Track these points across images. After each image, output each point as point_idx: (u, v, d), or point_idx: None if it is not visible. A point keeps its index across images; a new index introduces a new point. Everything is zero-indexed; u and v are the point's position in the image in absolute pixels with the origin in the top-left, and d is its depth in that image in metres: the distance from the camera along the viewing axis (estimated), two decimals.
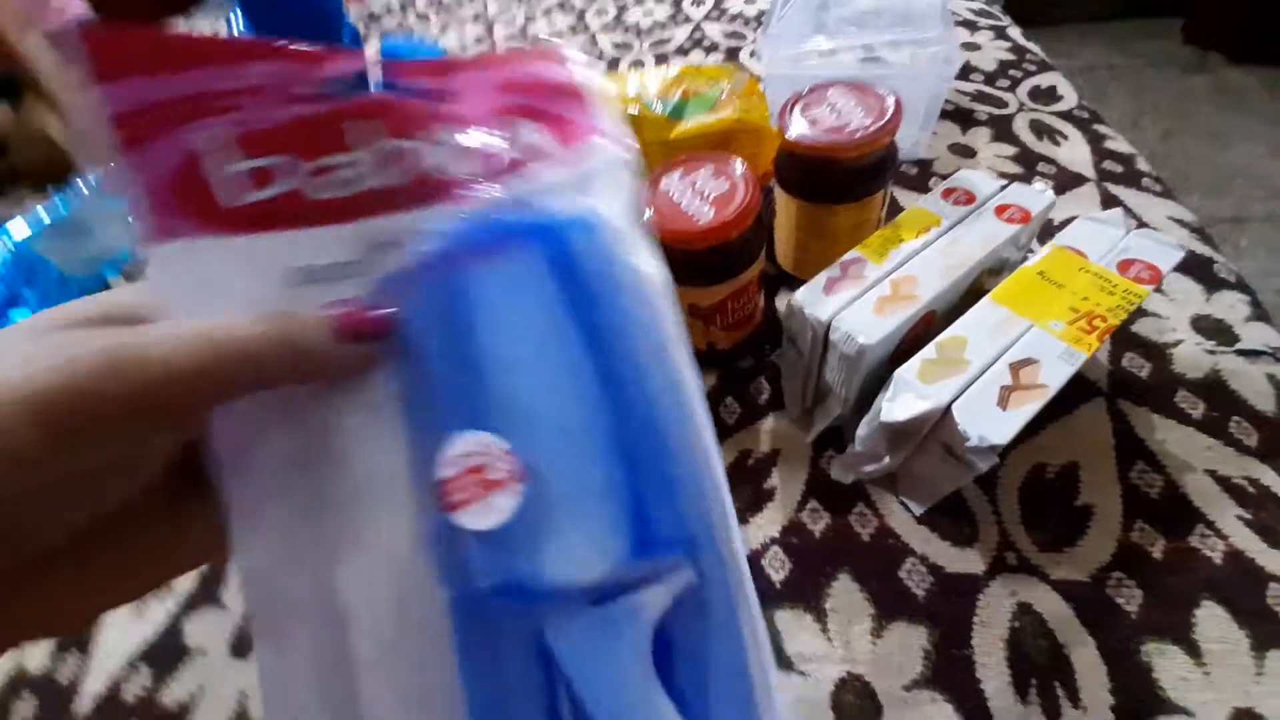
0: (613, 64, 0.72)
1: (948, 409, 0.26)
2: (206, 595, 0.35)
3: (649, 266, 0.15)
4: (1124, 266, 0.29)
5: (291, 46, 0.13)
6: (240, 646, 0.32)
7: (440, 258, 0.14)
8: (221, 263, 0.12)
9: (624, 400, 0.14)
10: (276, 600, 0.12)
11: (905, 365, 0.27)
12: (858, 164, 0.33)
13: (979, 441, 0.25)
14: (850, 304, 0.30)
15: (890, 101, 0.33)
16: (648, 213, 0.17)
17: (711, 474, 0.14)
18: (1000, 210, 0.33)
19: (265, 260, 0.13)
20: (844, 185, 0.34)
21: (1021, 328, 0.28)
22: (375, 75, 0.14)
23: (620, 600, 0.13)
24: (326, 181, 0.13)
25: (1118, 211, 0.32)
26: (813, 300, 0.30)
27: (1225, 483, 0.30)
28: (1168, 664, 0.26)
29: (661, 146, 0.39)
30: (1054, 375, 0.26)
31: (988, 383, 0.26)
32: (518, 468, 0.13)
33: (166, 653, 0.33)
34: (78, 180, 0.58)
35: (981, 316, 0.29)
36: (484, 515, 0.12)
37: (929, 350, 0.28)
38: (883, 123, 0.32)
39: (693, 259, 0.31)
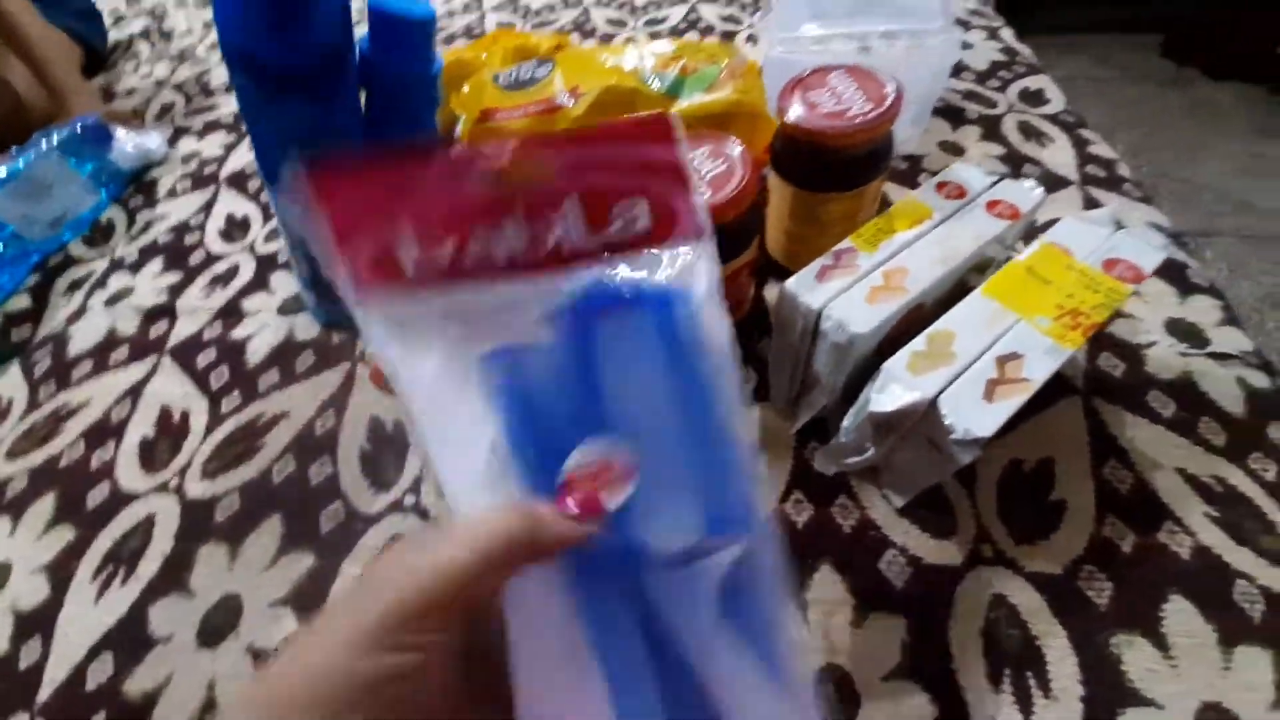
0: (605, 40, 0.71)
1: (934, 401, 0.26)
2: (172, 581, 0.33)
3: (721, 332, 0.19)
4: (1109, 265, 0.30)
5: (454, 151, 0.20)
6: (207, 635, 0.31)
7: (574, 314, 0.19)
8: (411, 313, 0.18)
9: (701, 427, 0.19)
10: None
11: (894, 357, 0.27)
12: (854, 152, 0.33)
13: (963, 435, 0.25)
14: (842, 293, 0.30)
15: (891, 89, 0.32)
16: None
17: (755, 478, 0.19)
18: (990, 205, 0.33)
19: (439, 309, 0.18)
20: (839, 173, 0.34)
21: (1009, 322, 0.28)
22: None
23: (698, 564, 0.18)
24: (480, 253, 0.19)
25: (1105, 210, 0.33)
26: (805, 288, 0.30)
27: (1194, 481, 0.31)
28: (1136, 655, 0.27)
29: None
30: (1038, 369, 0.26)
31: (974, 376, 0.26)
32: (632, 465, 0.18)
33: (130, 640, 0.31)
34: (40, 138, 0.55)
35: (971, 310, 0.29)
36: (611, 498, 0.17)
37: (918, 342, 0.28)
38: (882, 110, 0.31)
39: None
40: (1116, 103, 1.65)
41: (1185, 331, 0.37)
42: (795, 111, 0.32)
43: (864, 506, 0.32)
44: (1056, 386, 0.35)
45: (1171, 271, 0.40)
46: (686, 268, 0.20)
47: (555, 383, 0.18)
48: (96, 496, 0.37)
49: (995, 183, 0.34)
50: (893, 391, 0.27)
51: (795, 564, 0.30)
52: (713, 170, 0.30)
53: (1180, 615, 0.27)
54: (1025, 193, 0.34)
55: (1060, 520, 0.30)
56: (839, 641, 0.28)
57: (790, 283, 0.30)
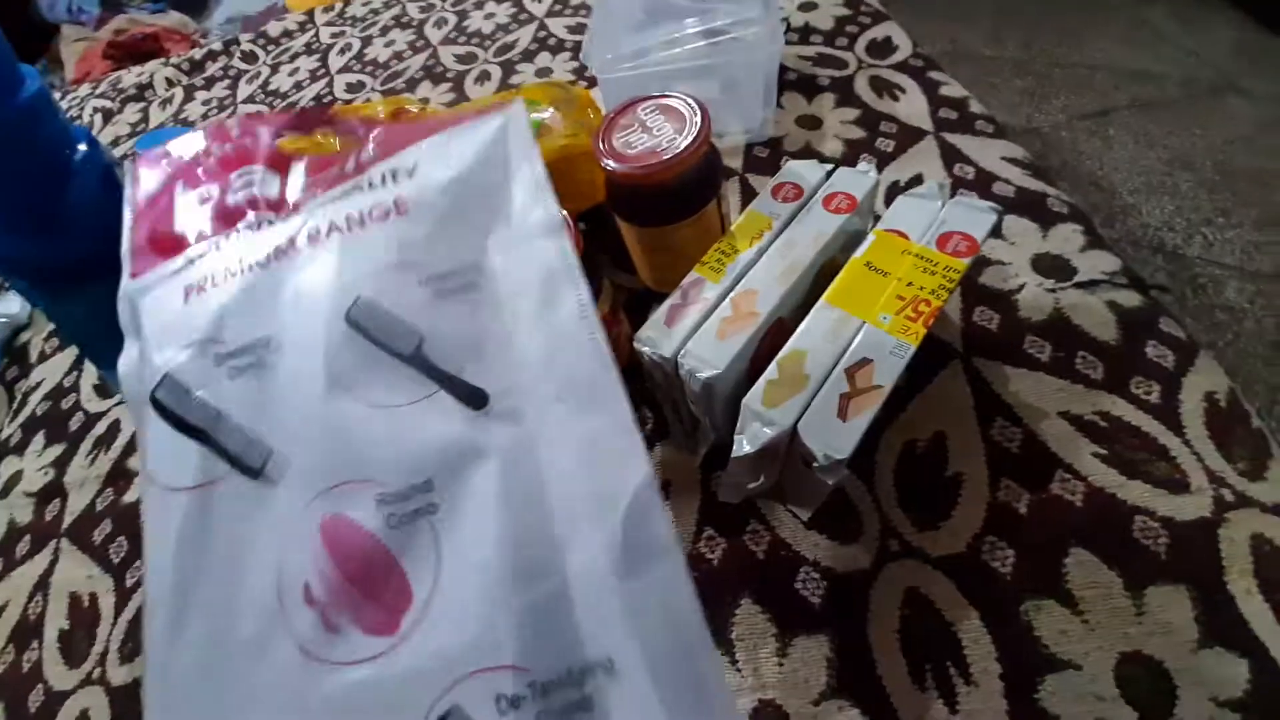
0: (458, 80, 0.69)
1: (794, 430, 0.26)
2: None
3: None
4: (942, 241, 0.30)
5: None
6: None
7: None
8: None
9: None
10: None
11: (751, 392, 0.27)
12: (678, 183, 0.32)
13: (824, 460, 0.25)
14: (694, 333, 0.29)
15: (696, 113, 0.32)
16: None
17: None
18: (828, 200, 0.33)
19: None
20: (671, 206, 0.33)
21: (854, 327, 0.28)
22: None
23: None
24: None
25: (933, 183, 0.32)
26: (655, 337, 0.29)
27: (1078, 421, 0.32)
28: (1046, 619, 0.27)
29: None
30: (887, 373, 0.26)
31: (827, 394, 0.26)
32: None
33: None
34: None
35: (818, 323, 0.28)
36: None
37: (771, 370, 0.27)
38: (692, 138, 0.31)
39: None
40: (999, 5, 1.66)
41: (1050, 266, 0.38)
42: (610, 159, 0.32)
43: (774, 527, 0.32)
44: (938, 355, 0.35)
45: (1031, 205, 0.41)
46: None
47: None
48: (34, 701, 0.36)
49: (830, 173, 0.34)
50: (753, 430, 0.26)
51: (716, 604, 0.30)
52: None
53: (1082, 568, 0.28)
54: (859, 178, 0.33)
55: (958, 496, 0.31)
56: (767, 675, 0.28)
57: (641, 334, 0.30)
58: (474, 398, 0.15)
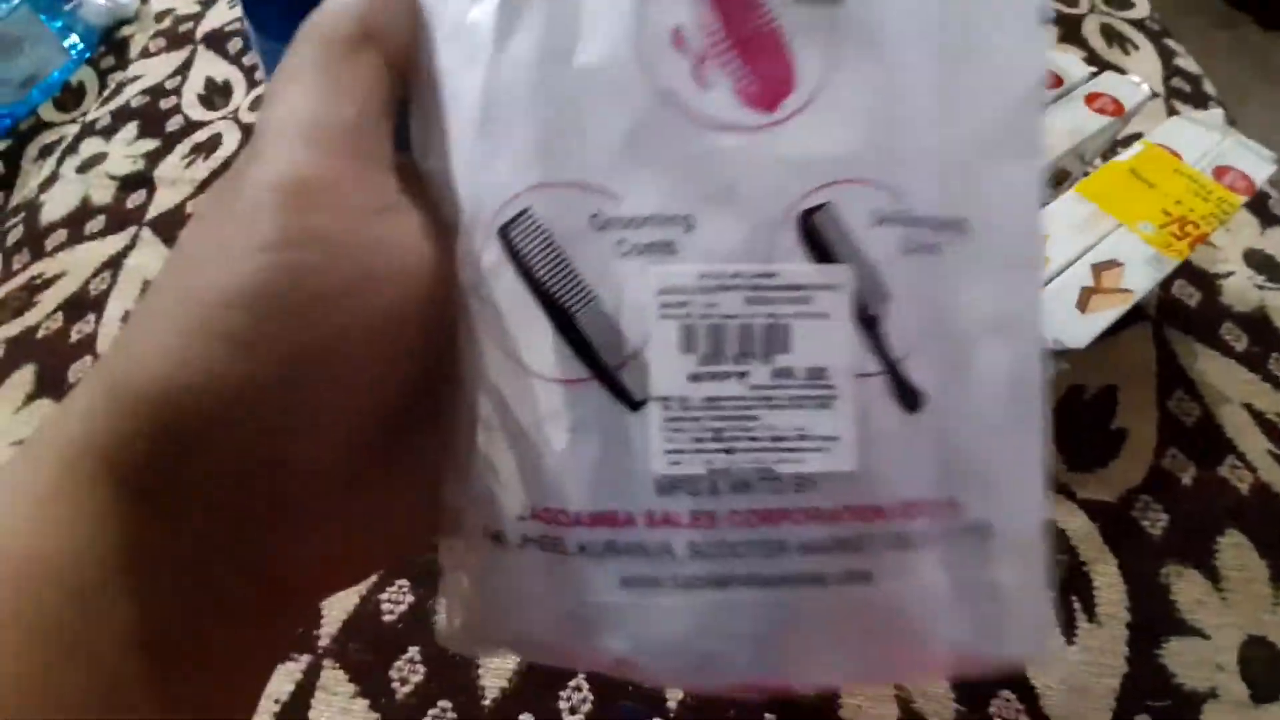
0: None
1: None
2: None
3: None
4: (1219, 173, 0.27)
5: None
6: None
7: None
8: None
9: None
10: None
11: None
12: None
13: (1053, 345, 0.22)
14: None
15: None
16: None
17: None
18: (1091, 99, 0.29)
19: None
20: None
21: (1108, 226, 0.25)
22: None
23: None
24: None
25: (1217, 112, 0.29)
26: None
27: (1260, 417, 0.30)
28: (1186, 586, 0.26)
29: None
30: (1140, 280, 0.24)
31: (1067, 282, 0.24)
32: None
33: None
34: None
35: (1066, 210, 0.26)
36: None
37: None
38: None
39: None
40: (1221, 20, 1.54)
41: (1263, 264, 0.35)
42: None
43: None
44: (1128, 312, 0.32)
45: (1256, 199, 0.37)
46: None
47: None
48: (79, 371, 0.34)
49: (1095, 74, 0.30)
50: None
51: None
52: None
53: (1235, 549, 0.26)
54: (1131, 87, 0.30)
55: (1119, 449, 0.29)
56: None
57: None
58: None
